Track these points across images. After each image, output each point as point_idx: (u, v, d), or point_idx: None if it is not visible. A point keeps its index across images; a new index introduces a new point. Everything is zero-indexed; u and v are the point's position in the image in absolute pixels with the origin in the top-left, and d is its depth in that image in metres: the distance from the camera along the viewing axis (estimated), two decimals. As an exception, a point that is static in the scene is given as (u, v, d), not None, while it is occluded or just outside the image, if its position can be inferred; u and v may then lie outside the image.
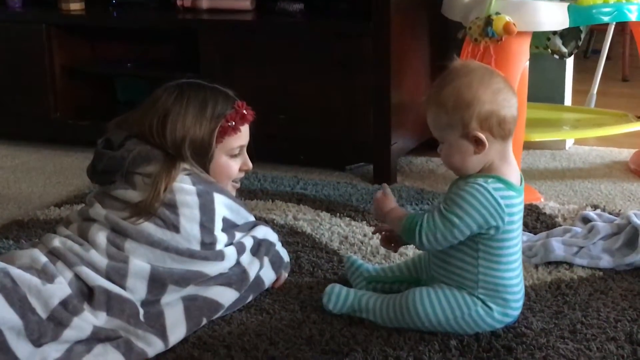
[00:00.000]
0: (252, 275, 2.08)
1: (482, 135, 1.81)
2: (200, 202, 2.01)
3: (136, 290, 1.94)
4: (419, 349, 1.86)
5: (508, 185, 1.84)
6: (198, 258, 1.99)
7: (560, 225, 2.56)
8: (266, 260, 2.13)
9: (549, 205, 2.76)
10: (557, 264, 2.29)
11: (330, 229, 2.59)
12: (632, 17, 2.90)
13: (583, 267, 2.27)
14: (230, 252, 2.05)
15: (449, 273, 1.91)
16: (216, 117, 2.09)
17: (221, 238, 2.05)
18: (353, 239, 2.51)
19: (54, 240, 1.99)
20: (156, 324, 1.90)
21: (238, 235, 2.11)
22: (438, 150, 1.90)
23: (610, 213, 2.62)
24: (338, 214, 2.72)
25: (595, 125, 3.32)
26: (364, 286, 2.12)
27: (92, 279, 1.91)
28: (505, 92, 1.83)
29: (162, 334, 1.89)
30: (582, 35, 3.19)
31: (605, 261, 2.27)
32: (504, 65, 2.69)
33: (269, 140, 2.98)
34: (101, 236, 1.98)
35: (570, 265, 2.28)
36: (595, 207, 2.74)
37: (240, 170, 2.18)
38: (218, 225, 2.04)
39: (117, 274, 1.94)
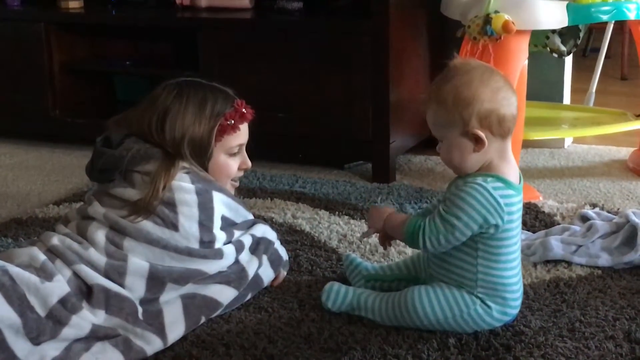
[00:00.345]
0: (250, 273, 2.08)
1: (481, 134, 1.81)
2: (199, 200, 2.01)
3: (135, 288, 1.94)
4: (417, 347, 1.86)
5: (507, 184, 1.84)
6: (197, 256, 1.99)
7: (559, 224, 2.56)
8: (265, 258, 2.13)
9: (548, 204, 2.76)
10: (556, 262, 2.30)
11: (329, 228, 2.59)
12: (631, 15, 2.91)
13: (582, 265, 2.27)
14: (229, 251, 2.05)
15: (448, 272, 1.91)
16: (215, 115, 2.09)
17: (220, 236, 2.05)
18: (352, 237, 2.51)
19: (52, 239, 1.99)
20: (155, 322, 1.90)
21: (237, 233, 2.11)
22: (437, 148, 1.90)
23: (608, 211, 2.62)
24: (337, 213, 2.72)
25: (594, 124, 3.32)
26: (363, 284, 2.12)
27: (90, 277, 1.91)
28: (505, 91, 1.84)
29: (161, 332, 1.89)
30: (581, 34, 3.19)
31: (604, 260, 2.27)
32: (502, 64, 2.69)
33: (268, 139, 2.97)
34: (100, 234, 1.98)
35: (569, 263, 2.29)
36: (593, 205, 2.74)
37: (239, 169, 2.18)
38: (217, 223, 2.04)
39: (116, 272, 1.94)
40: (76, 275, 1.91)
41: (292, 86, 3.21)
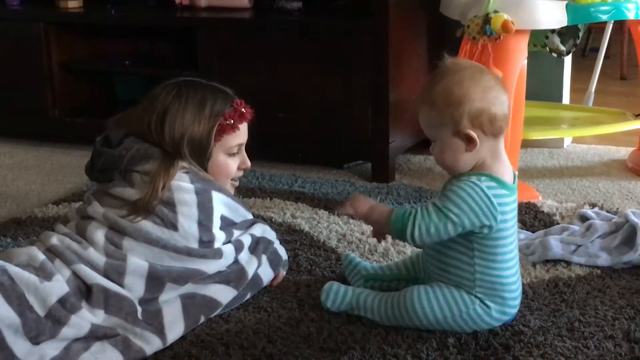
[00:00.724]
0: (250, 273, 2.08)
1: (473, 133, 1.81)
2: (198, 200, 2.01)
3: (134, 288, 1.94)
4: (417, 346, 1.86)
5: (501, 183, 1.84)
6: (196, 256, 1.99)
7: (558, 224, 2.56)
8: (264, 258, 2.13)
9: (547, 204, 2.76)
10: (555, 262, 2.30)
11: (329, 227, 2.59)
12: (630, 15, 2.90)
13: (581, 265, 2.27)
14: (229, 250, 2.05)
15: (446, 273, 1.91)
16: (215, 115, 2.09)
17: (219, 236, 2.05)
18: (351, 237, 2.51)
19: (52, 238, 1.99)
20: (154, 322, 1.90)
21: (236, 233, 2.11)
22: (430, 149, 1.90)
23: (608, 211, 2.62)
24: (336, 212, 2.72)
25: (593, 124, 3.32)
26: (362, 284, 2.12)
27: (90, 276, 1.91)
28: (496, 90, 1.84)
29: (160, 332, 1.89)
30: (580, 34, 3.19)
31: (603, 259, 2.27)
32: (502, 64, 2.70)
33: (267, 138, 2.97)
34: (99, 234, 1.98)
35: (568, 263, 2.29)
36: (593, 205, 2.74)
37: (238, 168, 2.18)
38: (216, 223, 2.04)
39: (115, 272, 1.94)
40: (75, 274, 1.91)
41: (292, 86, 3.21)
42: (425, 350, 1.84)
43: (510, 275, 1.90)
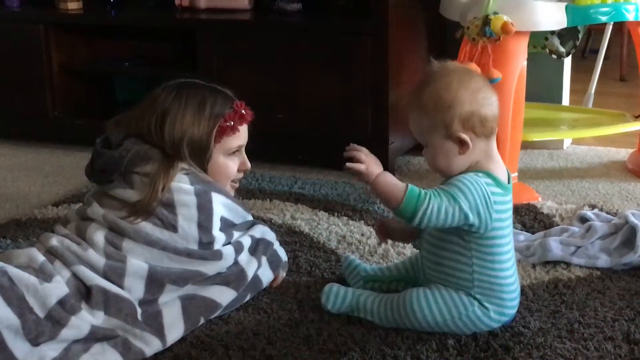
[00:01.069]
0: (250, 274, 2.08)
1: (465, 136, 1.81)
2: (198, 201, 2.01)
3: (134, 289, 1.94)
4: (416, 348, 1.86)
5: (497, 181, 1.84)
6: (196, 257, 1.99)
7: (558, 225, 2.56)
8: (264, 259, 2.13)
9: (547, 205, 2.76)
10: (555, 263, 2.30)
11: (328, 229, 2.59)
12: (630, 17, 2.91)
13: (580, 266, 2.27)
14: (228, 252, 2.05)
15: (444, 274, 1.91)
16: (215, 116, 2.09)
17: (219, 237, 2.04)
18: (351, 238, 2.51)
19: (51, 240, 1.99)
20: (154, 323, 1.90)
21: (236, 234, 2.11)
22: (423, 153, 1.90)
23: (607, 213, 2.62)
24: (336, 214, 2.72)
25: (593, 125, 3.32)
26: (362, 285, 2.12)
27: (89, 278, 1.91)
28: (485, 91, 1.84)
29: (160, 333, 1.89)
30: (580, 35, 3.19)
31: (603, 261, 2.27)
32: (501, 65, 2.70)
33: (267, 140, 2.97)
34: (99, 235, 1.98)
35: (568, 264, 2.29)
36: (592, 206, 2.74)
37: (238, 170, 2.18)
38: (216, 224, 2.04)
39: (115, 274, 1.93)
40: (75, 276, 1.91)
41: (291, 87, 3.21)
42: (425, 351, 1.84)
43: (508, 276, 1.90)
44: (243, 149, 2.18)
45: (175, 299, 1.97)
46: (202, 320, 1.98)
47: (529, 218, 2.65)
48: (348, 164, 1.85)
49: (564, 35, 3.15)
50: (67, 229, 2.06)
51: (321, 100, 3.17)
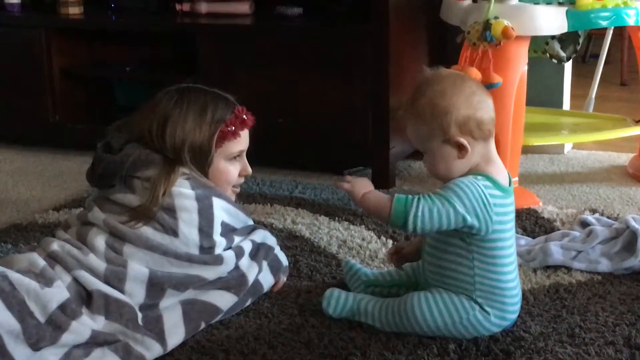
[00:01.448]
0: (250, 279, 2.08)
1: (463, 140, 1.83)
2: (199, 206, 2.01)
3: (135, 294, 1.94)
4: (417, 352, 1.86)
5: (496, 184, 1.85)
6: (197, 262, 1.99)
7: (559, 230, 2.56)
8: (265, 264, 2.13)
9: (548, 210, 2.76)
10: (556, 268, 2.29)
11: (329, 233, 2.59)
12: (630, 21, 2.91)
13: (581, 271, 2.27)
14: (229, 256, 2.05)
15: (446, 277, 1.91)
16: (216, 122, 2.09)
17: (220, 242, 2.04)
18: (352, 243, 2.51)
19: (52, 244, 1.99)
20: (155, 328, 1.90)
21: (237, 239, 2.11)
22: (423, 161, 1.92)
23: (608, 217, 2.62)
24: (337, 218, 2.72)
25: (594, 130, 3.32)
26: (363, 290, 2.12)
27: (90, 283, 1.91)
28: (479, 94, 1.86)
29: (161, 338, 1.89)
30: (581, 40, 3.19)
31: (604, 265, 2.27)
32: (502, 70, 2.70)
33: (268, 144, 2.98)
34: (100, 240, 1.98)
35: (569, 269, 2.28)
36: (593, 211, 2.74)
37: (239, 175, 2.18)
38: (217, 229, 2.04)
39: (116, 278, 1.93)
40: (76, 281, 1.91)
41: (292, 92, 3.21)
42: (425, 356, 1.84)
43: (510, 280, 1.90)
44: (244, 154, 2.19)
45: (176, 303, 1.97)
46: (202, 325, 1.98)
47: (529, 223, 2.64)
48: (336, 182, 1.95)
49: (565, 39, 3.15)
50: (68, 233, 2.06)
51: (322, 105, 3.17)
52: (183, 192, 2.01)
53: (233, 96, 2.17)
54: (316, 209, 2.82)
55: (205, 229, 2.01)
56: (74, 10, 3.69)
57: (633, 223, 2.35)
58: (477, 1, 2.95)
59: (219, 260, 2.02)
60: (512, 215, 1.90)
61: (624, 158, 3.41)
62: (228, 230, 2.09)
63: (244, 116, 2.14)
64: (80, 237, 2.02)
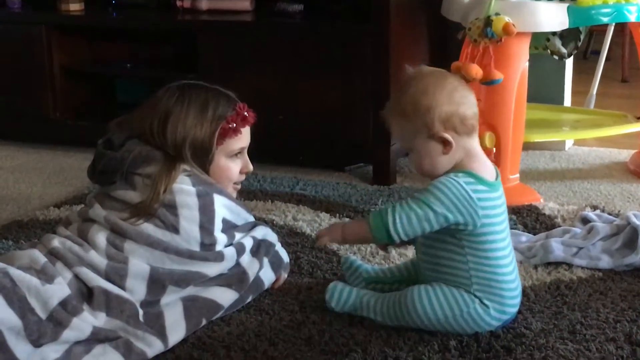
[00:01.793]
0: (251, 275, 2.08)
1: (447, 135, 1.85)
2: (200, 203, 2.01)
3: (136, 290, 1.94)
4: (418, 349, 1.86)
5: (479, 179, 1.86)
6: (198, 259, 1.99)
7: (560, 226, 2.56)
8: (266, 260, 2.13)
9: (549, 206, 2.76)
10: (557, 264, 2.29)
11: (330, 230, 2.59)
12: (632, 17, 2.91)
13: (582, 267, 2.27)
14: (230, 253, 2.05)
15: (442, 274, 1.92)
16: (217, 118, 2.09)
17: (221, 239, 2.04)
18: (352, 239, 2.51)
19: (53, 241, 1.99)
20: (156, 325, 1.90)
21: (238, 235, 2.11)
22: (409, 159, 1.93)
23: (609, 214, 2.62)
24: (338, 215, 2.72)
25: (595, 126, 3.32)
26: (363, 287, 2.12)
27: (91, 279, 1.91)
28: (461, 90, 1.88)
29: (162, 335, 1.89)
30: (582, 36, 3.19)
31: (605, 262, 2.27)
32: (503, 66, 2.70)
33: (269, 141, 2.97)
34: (101, 237, 1.98)
35: (570, 265, 2.28)
36: (594, 207, 2.74)
37: (240, 172, 2.18)
38: (218, 226, 2.04)
39: (117, 275, 1.94)
40: (77, 277, 1.92)
41: (293, 88, 3.21)
42: (426, 352, 1.84)
43: (507, 272, 1.91)
44: (245, 151, 2.18)
45: (177, 300, 1.97)
46: (203, 322, 1.98)
47: (530, 219, 2.64)
48: (317, 244, 2.02)
49: (566, 36, 3.15)
50: (68, 230, 2.06)
51: (323, 102, 3.17)
52: (184, 188, 2.01)
53: (234, 93, 2.17)
54: (317, 206, 2.82)
55: (206, 225, 2.01)
56: (75, 7, 3.70)
57: (634, 219, 2.35)
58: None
59: (219, 257, 2.02)
60: (502, 209, 1.91)
61: (624, 154, 3.41)
62: (229, 227, 2.09)
63: (245, 113, 2.14)
64: (81, 234, 2.02)
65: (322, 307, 2.04)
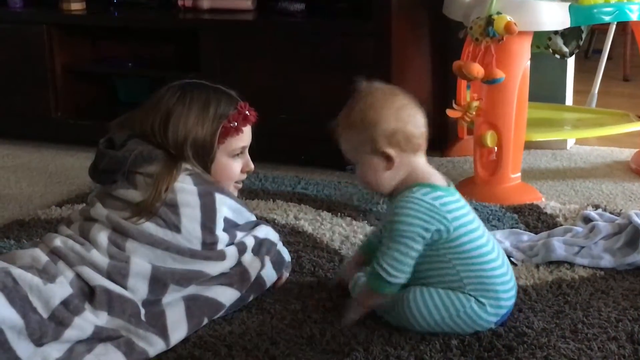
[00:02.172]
0: (253, 275, 2.08)
1: (390, 151, 1.88)
2: (201, 202, 2.01)
3: (137, 290, 1.94)
4: (420, 348, 1.86)
5: (433, 187, 1.88)
6: (199, 258, 1.99)
7: (562, 225, 2.56)
8: (267, 260, 2.13)
9: (550, 205, 2.76)
10: (558, 263, 2.29)
11: (332, 229, 2.59)
12: (633, 16, 2.90)
13: (584, 266, 2.27)
14: (232, 252, 2.05)
15: (435, 284, 1.91)
16: (219, 117, 2.09)
17: (222, 238, 2.04)
18: (354, 238, 2.51)
19: (55, 240, 1.99)
20: (157, 324, 1.90)
21: (239, 234, 2.11)
22: (354, 171, 1.98)
23: (611, 213, 2.62)
24: (339, 214, 2.72)
25: (597, 125, 3.32)
26: None
27: (93, 278, 1.91)
28: (409, 109, 1.91)
29: (164, 334, 1.89)
30: (583, 35, 3.19)
31: (607, 261, 2.27)
32: (505, 65, 2.70)
33: (270, 140, 2.97)
34: (102, 236, 1.98)
35: (572, 265, 2.28)
36: (596, 206, 2.74)
37: (242, 171, 2.18)
38: (219, 225, 2.04)
39: (119, 274, 1.94)
40: (79, 276, 1.92)
41: (294, 87, 3.21)
42: (428, 352, 1.84)
43: (496, 267, 1.91)
44: (247, 150, 2.18)
45: (179, 299, 1.97)
46: (205, 321, 1.98)
47: (532, 218, 2.64)
48: (345, 324, 1.96)
49: (567, 35, 3.14)
50: (70, 229, 2.06)
51: (324, 101, 3.16)
52: (185, 187, 2.01)
53: (235, 92, 2.17)
54: (319, 205, 2.82)
55: (207, 224, 2.01)
56: (76, 7, 3.70)
57: (636, 218, 2.34)
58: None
59: (221, 256, 2.02)
60: (467, 209, 1.92)
61: (626, 153, 3.41)
62: (230, 226, 2.09)
63: (247, 112, 2.14)
64: (82, 233, 2.02)
65: (323, 306, 2.04)
